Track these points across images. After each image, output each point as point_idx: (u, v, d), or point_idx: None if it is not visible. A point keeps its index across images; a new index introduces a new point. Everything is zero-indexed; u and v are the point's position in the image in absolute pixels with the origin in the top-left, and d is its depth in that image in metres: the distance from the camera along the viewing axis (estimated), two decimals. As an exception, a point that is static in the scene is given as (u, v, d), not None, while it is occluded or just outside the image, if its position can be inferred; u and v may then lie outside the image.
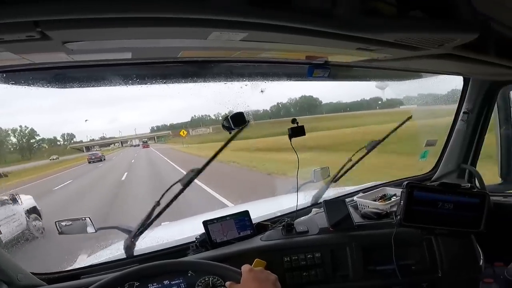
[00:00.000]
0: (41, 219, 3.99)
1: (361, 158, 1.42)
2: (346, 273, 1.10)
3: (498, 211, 1.37)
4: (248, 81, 1.20)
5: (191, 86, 1.10)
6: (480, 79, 1.48)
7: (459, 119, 1.56)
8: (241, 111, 1.11)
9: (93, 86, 0.95)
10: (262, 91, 1.29)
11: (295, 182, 1.29)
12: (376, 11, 0.71)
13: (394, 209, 1.22)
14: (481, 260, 1.16)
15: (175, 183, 1.05)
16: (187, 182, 1.05)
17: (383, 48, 0.82)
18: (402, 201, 1.02)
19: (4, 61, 0.70)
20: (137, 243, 1.14)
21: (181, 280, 0.86)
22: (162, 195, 1.06)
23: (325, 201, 1.22)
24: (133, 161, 14.96)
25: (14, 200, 3.69)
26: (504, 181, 1.65)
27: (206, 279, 0.86)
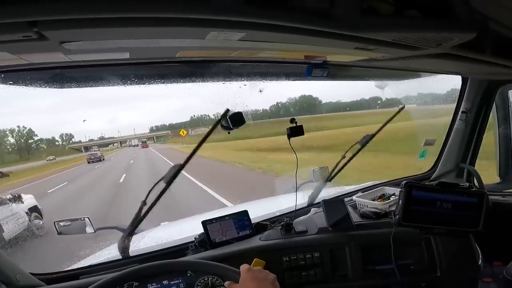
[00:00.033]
0: (42, 218, 4.07)
1: (356, 153, 1.41)
2: (345, 273, 1.10)
3: (497, 210, 1.37)
4: (247, 80, 1.20)
5: (190, 86, 1.10)
6: (479, 79, 1.48)
7: (458, 118, 1.57)
8: (239, 111, 1.11)
9: (91, 86, 0.94)
10: (260, 91, 1.29)
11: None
12: (374, 11, 0.71)
13: (393, 208, 1.23)
14: (480, 260, 1.16)
15: (159, 181, 1.04)
16: (170, 179, 1.03)
17: (381, 47, 0.83)
18: (400, 201, 1.02)
19: (2, 61, 0.70)
20: (133, 243, 1.14)
21: (180, 280, 0.86)
22: (148, 194, 1.05)
23: (324, 200, 1.22)
24: (131, 161, 14.70)
25: (16, 199, 3.75)
26: (503, 180, 1.66)
27: (205, 279, 0.86)
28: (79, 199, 7.05)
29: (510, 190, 1.58)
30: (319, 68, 1.10)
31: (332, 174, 1.43)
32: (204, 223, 1.15)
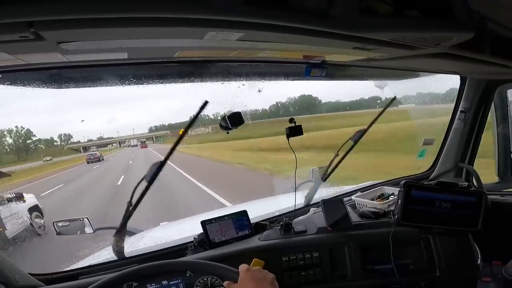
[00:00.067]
0: (43, 217, 4.13)
1: (350, 149, 1.40)
2: (345, 273, 1.10)
3: (496, 210, 1.37)
4: (246, 80, 1.20)
5: (188, 86, 1.09)
6: (477, 78, 1.48)
7: (456, 118, 1.57)
8: (238, 111, 1.11)
9: (89, 86, 0.94)
10: (259, 91, 1.29)
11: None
12: (372, 11, 0.71)
13: (392, 208, 1.23)
14: (479, 259, 1.16)
15: (141, 180, 1.03)
16: (152, 177, 1.02)
17: (379, 47, 0.83)
18: (399, 200, 1.03)
19: (-1, 62, 0.70)
20: (133, 243, 1.14)
21: (179, 280, 0.86)
22: (132, 194, 1.04)
23: (323, 200, 1.22)
24: (130, 162, 14.17)
25: (18, 199, 3.80)
26: (502, 179, 1.66)
27: (205, 279, 0.86)
28: (73, 203, 6.66)
29: (509, 190, 1.59)
30: (318, 68, 1.10)
31: (327, 173, 1.43)
32: (203, 223, 1.15)
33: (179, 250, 1.17)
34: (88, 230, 1.21)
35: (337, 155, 1.39)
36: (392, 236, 1.08)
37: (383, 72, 1.43)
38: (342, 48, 0.88)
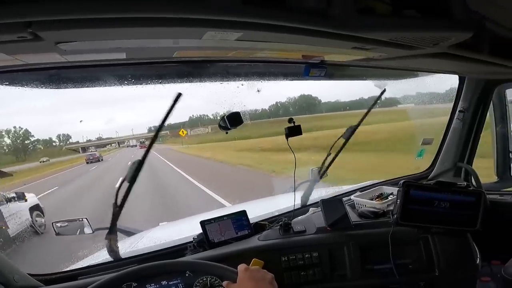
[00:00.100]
0: (44, 216, 4.22)
1: (342, 146, 1.40)
2: (344, 273, 1.10)
3: (495, 209, 1.37)
4: (245, 80, 1.20)
5: (187, 86, 1.09)
6: (476, 78, 1.48)
7: (455, 117, 1.57)
8: (237, 111, 1.11)
9: (87, 86, 0.94)
10: (258, 91, 1.29)
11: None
12: (371, 10, 0.71)
13: (391, 208, 1.23)
14: (478, 259, 1.17)
15: (122, 182, 1.02)
16: (132, 177, 1.02)
17: (378, 47, 0.83)
18: (398, 200, 1.03)
19: (-3, 62, 0.70)
20: (132, 243, 1.13)
21: (179, 281, 0.86)
22: (116, 196, 1.04)
23: (322, 200, 1.22)
24: (129, 163, 14.15)
25: (19, 198, 3.89)
26: (500, 179, 1.66)
27: (204, 279, 0.86)
28: (66, 208, 6.22)
29: (508, 189, 1.59)
30: (317, 67, 1.10)
31: (321, 172, 1.42)
32: (203, 223, 1.15)
33: (178, 250, 1.17)
34: (87, 230, 1.21)
35: (329, 154, 1.40)
36: (391, 236, 1.08)
37: (382, 72, 1.43)
38: (341, 48, 0.88)
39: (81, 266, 1.12)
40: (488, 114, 1.58)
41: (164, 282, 0.86)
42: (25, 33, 0.51)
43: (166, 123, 1.02)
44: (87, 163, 15.41)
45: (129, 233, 1.52)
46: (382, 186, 1.49)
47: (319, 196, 1.46)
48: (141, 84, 0.99)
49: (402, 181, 1.03)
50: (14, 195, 3.99)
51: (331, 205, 1.21)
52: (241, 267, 0.77)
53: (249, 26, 0.63)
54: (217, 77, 1.10)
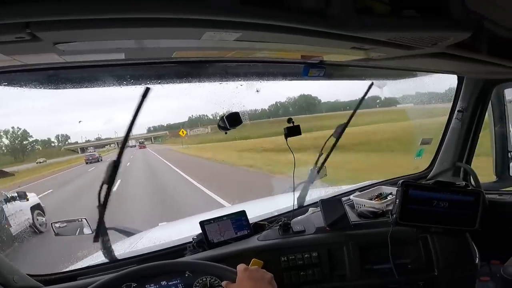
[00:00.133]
0: (44, 215, 4.29)
1: (334, 145, 1.40)
2: (343, 273, 1.10)
3: (493, 209, 1.37)
4: (244, 81, 1.20)
5: (186, 86, 1.09)
6: (474, 78, 1.49)
7: (454, 117, 1.57)
8: (236, 111, 1.11)
9: (86, 87, 0.94)
10: (257, 91, 1.29)
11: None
12: (370, 10, 0.71)
13: (390, 208, 1.23)
14: (477, 258, 1.17)
15: (102, 185, 1.03)
16: (109, 178, 1.02)
17: (377, 47, 0.83)
18: (397, 200, 1.03)
19: (-5, 63, 0.69)
20: (131, 244, 1.13)
21: (178, 281, 0.86)
22: (98, 198, 1.04)
23: (321, 200, 1.22)
24: (128, 164, 12.79)
25: (21, 197, 3.95)
26: (499, 179, 1.66)
27: (204, 279, 0.86)
28: (59, 214, 5.72)
29: (507, 189, 1.59)
30: (316, 68, 1.11)
31: (316, 172, 1.42)
32: (202, 223, 1.15)
33: (178, 250, 1.17)
34: (87, 231, 1.21)
35: (321, 154, 1.39)
36: (391, 235, 1.08)
37: (381, 72, 1.43)
38: (339, 48, 0.88)
39: (81, 267, 1.12)
40: (486, 114, 1.58)
41: (163, 283, 0.85)
42: (23, 33, 0.51)
43: (137, 121, 1.01)
44: (87, 163, 15.36)
45: (128, 234, 1.52)
46: (381, 186, 1.49)
47: (319, 196, 1.46)
48: (140, 84, 0.99)
49: (401, 181, 1.03)
50: (15, 194, 4.07)
51: (331, 205, 1.21)
52: (240, 267, 0.77)
53: (248, 26, 0.63)
54: (216, 77, 1.09)
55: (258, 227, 1.25)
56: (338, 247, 1.12)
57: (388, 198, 1.36)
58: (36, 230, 3.97)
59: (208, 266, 0.88)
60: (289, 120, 1.19)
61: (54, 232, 1.17)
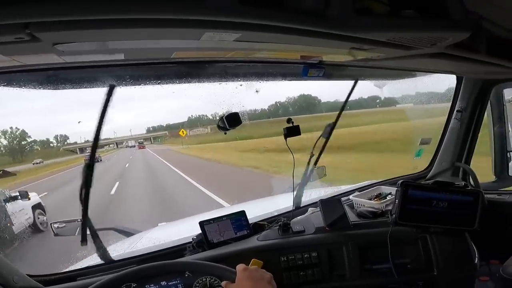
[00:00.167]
0: (45, 214, 4.40)
1: (324, 146, 1.40)
2: (343, 273, 1.10)
3: (493, 209, 1.38)
4: (243, 81, 1.20)
5: (186, 87, 1.09)
6: (473, 78, 1.49)
7: (453, 117, 1.58)
8: (236, 111, 1.11)
9: (85, 87, 0.94)
10: (257, 91, 1.29)
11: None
12: (369, 11, 0.71)
13: (390, 208, 1.23)
14: (476, 258, 1.17)
15: (81, 189, 1.02)
16: (86, 182, 1.01)
17: (376, 47, 0.83)
18: (397, 200, 1.03)
19: (-5, 63, 0.69)
20: (131, 244, 1.13)
21: (178, 281, 0.86)
22: (81, 203, 1.05)
23: (321, 200, 1.22)
24: (127, 165, 12.98)
25: (23, 196, 3.97)
26: (498, 178, 1.67)
27: (203, 279, 0.86)
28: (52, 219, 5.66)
29: (506, 189, 1.60)
30: (315, 68, 1.11)
31: (308, 173, 1.43)
32: (202, 223, 1.15)
33: (177, 250, 1.17)
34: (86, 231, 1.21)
35: (312, 155, 1.39)
36: (390, 235, 1.08)
37: (381, 72, 1.43)
38: (339, 49, 0.88)
39: (80, 267, 1.12)
40: (485, 113, 1.59)
41: (163, 283, 0.85)
42: (22, 34, 0.51)
43: (105, 120, 0.99)
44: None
45: (128, 234, 1.52)
46: (381, 186, 1.49)
47: (318, 196, 1.46)
48: (139, 84, 0.99)
49: (401, 181, 1.03)
50: (17, 193, 4.19)
51: (330, 205, 1.21)
52: (240, 267, 0.77)
53: (248, 27, 0.63)
54: (215, 77, 1.10)
55: (258, 227, 1.25)
56: (337, 247, 1.12)
57: (388, 198, 1.36)
58: (39, 229, 4.09)
59: (207, 266, 0.88)
60: (289, 120, 1.19)
61: (54, 232, 1.17)
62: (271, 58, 1.05)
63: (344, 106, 1.45)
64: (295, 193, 1.40)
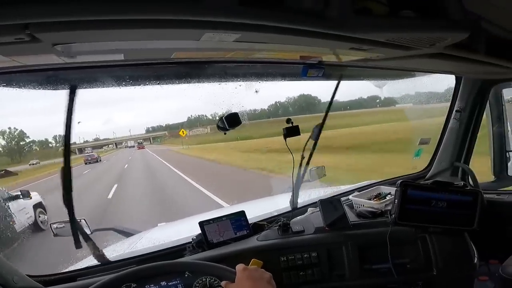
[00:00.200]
0: (46, 213, 4.47)
1: (313, 147, 1.39)
2: (343, 272, 1.11)
3: (492, 208, 1.38)
4: (243, 81, 1.20)
5: (186, 87, 1.10)
6: (472, 78, 1.49)
7: (452, 117, 1.58)
8: (236, 111, 1.11)
9: (85, 87, 0.94)
10: (256, 91, 1.30)
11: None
12: (368, 11, 0.71)
13: (389, 208, 1.23)
14: (476, 258, 1.17)
15: (64, 193, 1.02)
16: (67, 185, 1.02)
17: (375, 48, 0.83)
18: (396, 200, 1.03)
19: (-5, 63, 0.70)
20: (131, 244, 1.13)
21: (178, 281, 0.86)
22: (66, 207, 1.04)
23: (320, 200, 1.22)
24: (126, 166, 12.73)
25: (24, 196, 4.09)
26: (497, 178, 1.67)
27: (203, 279, 0.86)
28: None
29: (505, 189, 1.60)
30: (315, 68, 1.11)
31: (302, 173, 1.41)
32: (201, 224, 1.15)
33: (177, 251, 1.17)
34: (86, 231, 1.21)
35: (303, 157, 1.37)
36: (389, 235, 1.09)
37: (380, 72, 1.43)
38: (338, 49, 0.89)
39: (80, 267, 1.12)
40: (484, 113, 1.59)
41: (163, 283, 0.85)
42: (22, 34, 0.51)
43: (73, 122, 0.97)
44: (86, 164, 15.24)
45: (128, 234, 1.52)
46: (380, 186, 1.50)
47: (318, 196, 1.46)
48: (139, 85, 1.00)
49: (400, 181, 1.03)
50: (19, 193, 4.22)
51: (330, 205, 1.21)
52: (239, 266, 0.77)
53: (247, 28, 0.63)
54: (215, 78, 1.10)
55: (258, 227, 1.25)
56: (337, 247, 1.12)
57: (387, 198, 1.36)
58: (40, 227, 4.16)
59: (207, 266, 0.88)
60: (288, 121, 1.20)
61: (53, 232, 1.17)
62: (271, 58, 1.05)
63: (329, 107, 1.42)
64: (293, 193, 1.40)
